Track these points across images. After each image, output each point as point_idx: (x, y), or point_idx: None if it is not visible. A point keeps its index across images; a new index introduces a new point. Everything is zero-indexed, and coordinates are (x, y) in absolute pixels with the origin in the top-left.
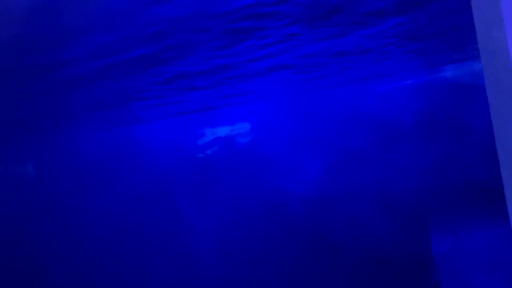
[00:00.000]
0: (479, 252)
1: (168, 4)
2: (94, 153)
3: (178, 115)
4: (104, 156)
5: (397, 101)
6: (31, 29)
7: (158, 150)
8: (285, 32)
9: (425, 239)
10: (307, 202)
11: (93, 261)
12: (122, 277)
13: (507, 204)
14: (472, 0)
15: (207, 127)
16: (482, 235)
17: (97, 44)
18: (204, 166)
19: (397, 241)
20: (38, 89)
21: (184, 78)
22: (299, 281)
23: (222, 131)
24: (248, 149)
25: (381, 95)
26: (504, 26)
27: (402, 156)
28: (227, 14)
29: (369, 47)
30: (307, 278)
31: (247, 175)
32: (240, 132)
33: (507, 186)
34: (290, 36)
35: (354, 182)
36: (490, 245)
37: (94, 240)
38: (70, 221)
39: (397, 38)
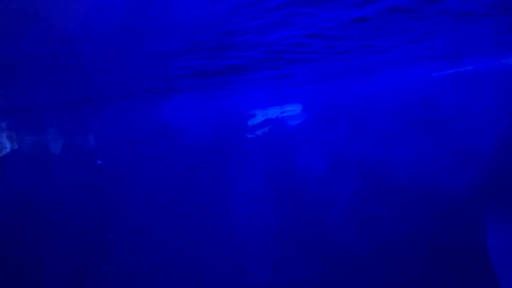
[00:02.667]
0: None
1: None
2: (146, 130)
3: (230, 96)
4: (157, 133)
5: (455, 89)
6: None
7: (209, 130)
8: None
9: (478, 232)
10: (351, 190)
11: (147, 225)
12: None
13: None
14: None
15: (258, 109)
16: None
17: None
18: (253, 147)
19: (449, 235)
20: (109, 69)
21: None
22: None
23: (273, 112)
24: (296, 132)
25: (438, 82)
26: None
27: (455, 147)
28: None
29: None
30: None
31: (290, 159)
32: (291, 115)
33: None
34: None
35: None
36: None
37: (146, 206)
38: (129, 190)
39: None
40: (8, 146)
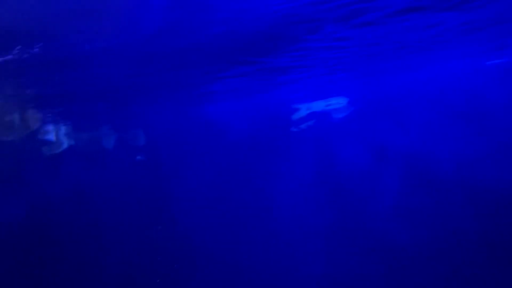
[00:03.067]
0: None
1: None
2: (195, 125)
3: (274, 90)
4: (204, 128)
5: (502, 80)
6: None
7: (253, 124)
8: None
9: None
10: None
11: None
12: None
13: None
14: None
15: (303, 102)
16: None
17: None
18: (298, 141)
19: (501, 230)
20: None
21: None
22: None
23: (318, 106)
24: (342, 125)
25: (485, 73)
26: None
27: (504, 138)
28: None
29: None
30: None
31: (336, 152)
32: (336, 108)
33: None
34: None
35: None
36: None
37: (195, 199)
38: (179, 185)
39: None
40: (65, 142)
